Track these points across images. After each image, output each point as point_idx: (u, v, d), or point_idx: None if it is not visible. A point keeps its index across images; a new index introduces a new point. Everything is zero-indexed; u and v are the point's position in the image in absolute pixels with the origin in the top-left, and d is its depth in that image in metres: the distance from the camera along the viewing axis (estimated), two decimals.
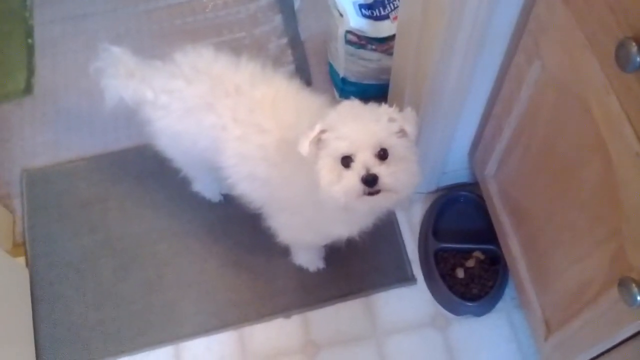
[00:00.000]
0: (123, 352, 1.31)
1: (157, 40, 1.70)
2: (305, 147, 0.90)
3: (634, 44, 0.65)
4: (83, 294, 1.38)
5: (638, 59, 0.64)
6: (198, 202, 1.44)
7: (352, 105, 0.95)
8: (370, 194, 0.88)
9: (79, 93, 1.62)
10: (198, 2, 1.76)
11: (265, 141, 1.02)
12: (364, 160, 0.87)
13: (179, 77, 1.07)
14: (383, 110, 0.92)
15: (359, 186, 0.87)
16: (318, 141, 0.91)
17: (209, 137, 1.07)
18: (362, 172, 0.86)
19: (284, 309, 1.34)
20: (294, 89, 1.07)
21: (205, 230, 1.44)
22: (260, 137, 1.02)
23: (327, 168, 0.90)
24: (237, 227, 1.43)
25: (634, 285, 0.75)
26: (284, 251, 1.32)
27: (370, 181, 0.86)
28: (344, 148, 0.88)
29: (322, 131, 0.90)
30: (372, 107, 0.94)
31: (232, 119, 1.04)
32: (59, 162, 1.54)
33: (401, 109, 0.94)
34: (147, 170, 1.49)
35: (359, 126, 0.89)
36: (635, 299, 0.75)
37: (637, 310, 0.77)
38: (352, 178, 0.87)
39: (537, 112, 1.00)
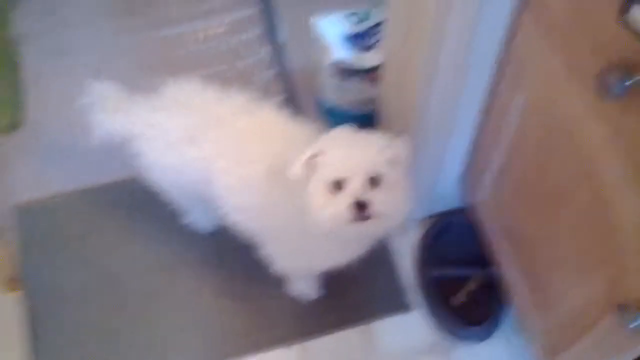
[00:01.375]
0: None
1: (145, 72, 1.70)
2: (297, 169, 0.91)
3: (612, 73, 0.66)
4: (79, 328, 1.35)
5: (617, 88, 0.65)
6: (190, 234, 1.43)
7: (345, 131, 0.95)
8: (361, 219, 0.88)
9: (69, 126, 1.61)
10: (185, 34, 1.77)
11: (252, 171, 1.02)
12: (355, 186, 0.88)
13: (161, 110, 1.08)
14: (376, 137, 0.93)
15: (349, 212, 0.87)
16: (310, 165, 0.91)
17: (194, 169, 1.07)
18: (353, 198, 0.87)
19: (282, 339, 1.33)
20: (282, 118, 1.08)
21: (198, 262, 1.42)
22: (247, 168, 1.02)
23: (318, 192, 0.90)
24: (230, 257, 1.41)
25: (631, 310, 0.75)
26: (280, 281, 1.31)
27: (360, 207, 0.86)
28: (335, 173, 0.89)
29: (315, 155, 0.91)
30: (365, 134, 0.95)
31: (216, 152, 1.04)
32: (50, 195, 1.53)
33: (394, 137, 0.95)
34: (139, 202, 1.47)
35: (352, 152, 0.90)
36: (634, 325, 0.74)
37: (636, 335, 0.77)
38: (342, 203, 0.87)
39: (524, 140, 1.00)
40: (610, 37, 0.67)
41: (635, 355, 0.83)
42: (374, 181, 0.89)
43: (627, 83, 0.65)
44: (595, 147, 0.77)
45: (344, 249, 1.05)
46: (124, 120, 1.10)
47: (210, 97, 1.08)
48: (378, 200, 0.88)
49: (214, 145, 1.04)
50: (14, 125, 1.64)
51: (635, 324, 0.75)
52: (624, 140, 0.71)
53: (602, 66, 0.68)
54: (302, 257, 1.12)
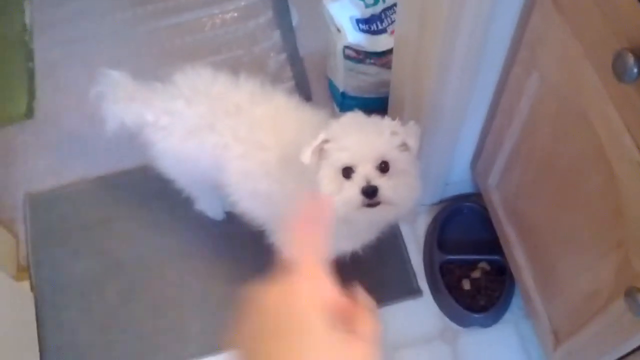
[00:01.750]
0: None
1: (158, 60, 1.71)
2: (307, 156, 0.91)
3: (630, 55, 0.65)
4: (89, 318, 1.37)
5: (635, 70, 0.65)
6: (201, 221, 1.44)
7: (355, 117, 0.95)
8: (370, 205, 0.88)
9: (81, 115, 1.62)
10: (196, 21, 1.77)
11: (267, 157, 1.02)
12: (365, 172, 0.88)
13: (178, 98, 1.08)
14: (386, 123, 0.93)
15: (359, 197, 0.87)
16: (320, 151, 0.92)
17: (211, 156, 1.07)
18: (363, 184, 0.87)
19: None
20: (294, 105, 1.08)
21: (209, 249, 1.43)
22: (262, 154, 1.03)
23: (328, 178, 0.91)
24: (241, 244, 1.42)
25: None
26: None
27: (370, 193, 0.87)
28: (345, 159, 0.89)
29: (325, 141, 0.91)
30: (375, 119, 0.95)
31: (234, 138, 1.04)
32: (62, 185, 1.54)
33: (404, 122, 0.95)
34: (150, 191, 1.49)
35: (362, 138, 0.90)
36: None
37: None
38: (352, 189, 0.88)
39: (537, 123, 0.99)
40: (630, 17, 0.66)
41: None
42: (383, 167, 0.90)
43: None
44: (609, 130, 0.76)
45: (354, 235, 1.05)
46: (138, 108, 1.10)
47: (226, 83, 1.08)
48: (388, 186, 0.88)
49: (232, 132, 1.04)
50: (27, 114, 1.65)
51: None
52: (639, 122, 0.70)
53: (620, 47, 0.67)
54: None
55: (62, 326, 1.36)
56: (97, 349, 1.34)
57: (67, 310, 1.38)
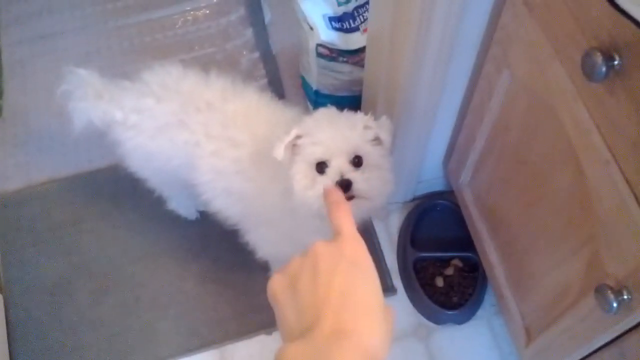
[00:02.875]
0: None
1: (128, 57, 1.68)
2: (280, 151, 0.91)
3: (599, 54, 0.65)
4: (59, 319, 1.34)
5: (603, 69, 0.65)
6: (174, 221, 1.42)
7: (328, 112, 0.95)
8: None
9: (50, 114, 1.59)
10: (168, 18, 1.75)
11: (239, 155, 1.01)
12: (339, 166, 0.88)
13: (148, 96, 1.06)
14: (359, 118, 0.93)
15: None
16: (293, 146, 0.91)
17: (183, 154, 1.06)
18: (336, 177, 0.87)
19: (265, 325, 1.33)
20: (266, 101, 1.07)
21: (182, 249, 1.42)
22: (234, 151, 1.02)
23: (301, 173, 0.90)
24: (214, 244, 1.41)
25: (610, 292, 0.75)
26: (264, 267, 1.31)
27: (344, 186, 0.86)
28: (318, 153, 0.89)
29: (298, 136, 0.91)
30: (348, 114, 0.95)
31: (205, 135, 1.03)
32: (31, 184, 1.51)
33: (376, 118, 0.95)
34: (121, 190, 1.47)
35: (335, 132, 0.90)
36: (612, 306, 0.75)
37: (614, 316, 0.77)
38: (326, 183, 0.87)
39: (508, 120, 1.00)
40: (598, 16, 0.67)
41: (613, 336, 0.84)
42: (357, 161, 0.90)
43: (614, 64, 0.65)
44: (579, 128, 0.77)
45: (328, 231, 1.05)
46: (106, 107, 1.08)
47: (196, 80, 1.07)
48: (361, 179, 0.88)
49: (203, 129, 1.03)
50: None
51: (613, 305, 0.75)
52: (608, 121, 0.71)
53: (588, 46, 0.68)
54: (286, 242, 1.11)
55: (32, 327, 1.33)
56: (68, 349, 1.31)
57: (36, 311, 1.35)
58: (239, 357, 1.30)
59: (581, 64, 0.69)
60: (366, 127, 0.92)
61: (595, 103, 0.73)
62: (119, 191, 1.47)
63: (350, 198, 0.88)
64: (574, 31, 0.73)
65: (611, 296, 0.75)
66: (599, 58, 0.65)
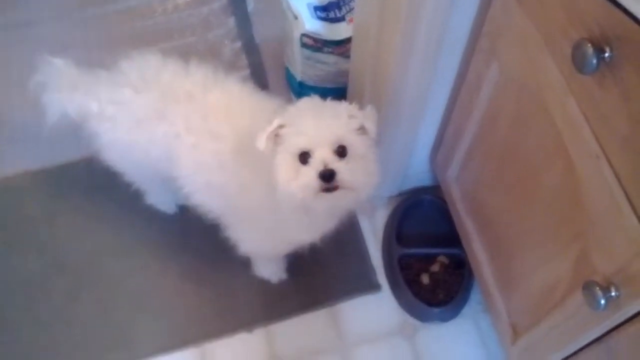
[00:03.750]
0: None
1: (106, 47, 1.63)
2: (262, 141, 0.88)
3: (589, 45, 0.63)
4: (33, 316, 1.30)
5: (594, 60, 0.63)
6: (152, 215, 1.39)
7: (312, 102, 0.93)
8: (328, 190, 0.86)
9: (23, 104, 1.51)
10: (147, 6, 1.70)
11: (220, 148, 0.98)
12: (322, 156, 0.86)
13: (125, 87, 1.03)
14: (343, 107, 0.91)
15: (317, 182, 0.85)
16: (276, 137, 0.89)
17: (162, 146, 1.03)
18: (320, 168, 0.85)
19: (246, 323, 1.30)
20: (248, 92, 1.04)
21: (161, 244, 1.38)
22: (215, 144, 0.99)
23: (284, 164, 0.88)
24: (194, 239, 1.38)
25: (597, 289, 0.74)
26: (245, 263, 1.28)
27: (327, 176, 0.84)
28: (302, 143, 0.86)
29: (281, 126, 0.88)
30: (332, 103, 0.92)
31: (185, 127, 1.00)
32: (3, 177, 1.46)
33: (361, 107, 0.93)
34: (97, 184, 1.42)
35: (318, 122, 0.87)
36: (599, 303, 0.73)
37: (601, 313, 0.76)
38: (309, 174, 0.85)
39: (497, 114, 0.98)
40: (589, 7, 0.65)
41: (601, 333, 0.83)
42: (341, 151, 0.87)
43: (604, 56, 0.63)
44: (569, 121, 0.75)
45: (313, 224, 1.03)
46: (82, 98, 1.05)
47: (176, 70, 1.04)
48: (345, 170, 0.85)
49: (183, 121, 1.00)
50: None
51: (601, 302, 0.74)
52: (598, 115, 0.69)
53: (579, 37, 0.66)
54: (269, 237, 1.09)
55: (6, 325, 1.29)
56: (43, 348, 1.27)
57: (10, 309, 1.31)
58: (219, 356, 1.27)
59: (571, 56, 0.67)
60: (351, 117, 0.89)
61: (585, 96, 0.71)
62: (94, 185, 1.43)
63: (334, 189, 0.86)
64: (564, 22, 0.71)
65: (599, 293, 0.74)
66: (589, 49, 0.63)
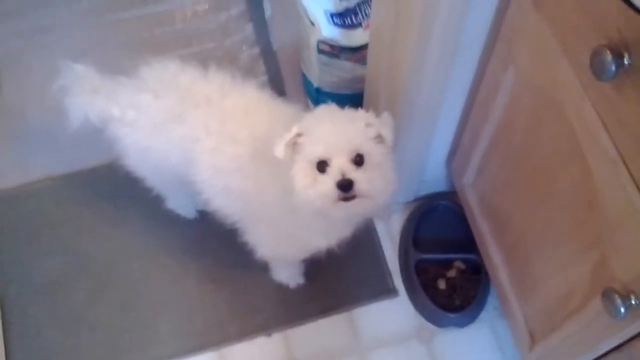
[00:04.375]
0: None
1: (125, 52, 1.66)
2: (280, 149, 0.88)
3: (608, 52, 0.63)
4: (55, 318, 1.33)
5: (613, 67, 0.63)
6: (173, 220, 1.40)
7: (329, 110, 0.93)
8: (346, 199, 0.86)
9: (46, 109, 1.54)
10: (166, 12, 1.72)
11: (239, 152, 0.99)
12: (340, 165, 0.86)
13: (145, 92, 1.04)
14: (360, 115, 0.91)
15: (334, 191, 0.85)
16: (294, 145, 0.89)
17: (181, 150, 1.04)
18: (338, 177, 0.85)
19: (264, 327, 1.31)
20: (266, 98, 1.05)
21: (181, 248, 1.40)
22: (234, 148, 0.99)
23: (302, 172, 0.88)
24: (214, 244, 1.39)
25: (617, 296, 0.73)
26: (264, 268, 1.29)
27: (345, 186, 0.85)
28: (319, 152, 0.87)
29: (299, 134, 0.89)
30: (349, 111, 0.92)
31: (205, 131, 1.01)
32: (27, 182, 1.49)
33: (378, 115, 0.93)
34: (119, 188, 1.43)
35: (336, 130, 0.88)
36: (619, 311, 0.73)
37: (621, 321, 0.75)
38: (327, 183, 0.85)
39: (513, 119, 0.98)
40: (610, 12, 0.64)
41: (620, 341, 0.82)
42: (358, 160, 0.88)
43: (624, 62, 0.62)
44: (586, 126, 0.74)
45: (329, 230, 1.03)
46: (103, 102, 1.07)
47: (194, 76, 1.05)
48: (363, 179, 0.86)
49: (203, 125, 1.01)
50: None
51: (620, 310, 0.73)
52: (616, 120, 0.69)
53: (597, 43, 0.66)
54: (286, 242, 1.09)
55: (29, 327, 1.32)
56: (65, 349, 1.29)
57: (33, 311, 1.33)
58: (238, 359, 1.28)
59: (590, 62, 0.66)
60: (368, 125, 0.90)
61: (603, 101, 0.70)
62: (117, 189, 1.45)
63: (352, 198, 0.86)
64: (582, 28, 0.70)
65: (618, 301, 0.73)
66: (608, 56, 0.63)
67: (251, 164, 0.99)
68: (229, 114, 1.01)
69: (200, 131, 1.01)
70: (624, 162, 0.69)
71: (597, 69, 0.65)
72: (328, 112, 0.93)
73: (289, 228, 1.04)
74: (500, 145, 1.06)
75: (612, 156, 0.70)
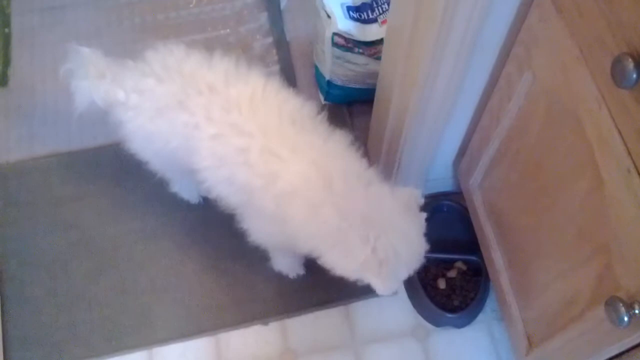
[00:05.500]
0: (94, 356, 1.27)
1: (139, 34, 1.66)
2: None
3: (630, 59, 0.63)
4: (54, 295, 1.33)
5: (634, 75, 0.63)
6: (176, 204, 1.40)
7: None
8: None
9: (56, 86, 1.56)
10: None
11: (247, 145, 0.97)
12: None
13: (149, 76, 1.04)
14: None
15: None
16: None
17: (181, 136, 1.03)
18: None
19: (262, 316, 1.31)
20: (274, 88, 1.03)
21: (183, 233, 1.40)
22: (240, 140, 0.98)
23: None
24: (216, 230, 1.39)
25: (621, 305, 0.73)
26: (263, 256, 1.29)
27: None
28: None
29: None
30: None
31: (206, 117, 1.00)
32: (33, 157, 1.49)
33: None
34: (125, 169, 1.45)
35: None
36: (622, 319, 0.73)
37: (623, 330, 0.76)
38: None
39: (526, 124, 0.98)
40: (632, 21, 0.64)
41: (620, 350, 0.82)
42: None
43: None
44: (601, 134, 0.75)
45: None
46: (109, 86, 1.06)
47: (199, 62, 1.04)
48: None
49: (204, 112, 1.00)
50: (1, 82, 1.59)
51: (624, 319, 0.73)
52: (633, 129, 0.69)
53: (619, 51, 0.66)
54: (286, 237, 1.08)
55: (26, 302, 1.32)
56: (61, 327, 1.29)
57: (31, 286, 1.33)
58: (233, 346, 1.29)
59: (611, 70, 0.66)
60: None
61: (621, 109, 0.70)
62: (122, 170, 1.45)
63: None
64: (604, 35, 0.70)
65: (622, 309, 0.73)
66: (630, 64, 0.63)
67: (260, 159, 0.97)
68: (233, 103, 0.99)
69: (201, 117, 1.00)
70: (638, 171, 0.69)
71: (617, 76, 0.65)
72: None
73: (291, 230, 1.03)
74: (510, 149, 1.06)
75: (626, 165, 0.71)
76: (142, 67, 1.06)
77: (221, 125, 0.99)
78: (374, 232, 0.91)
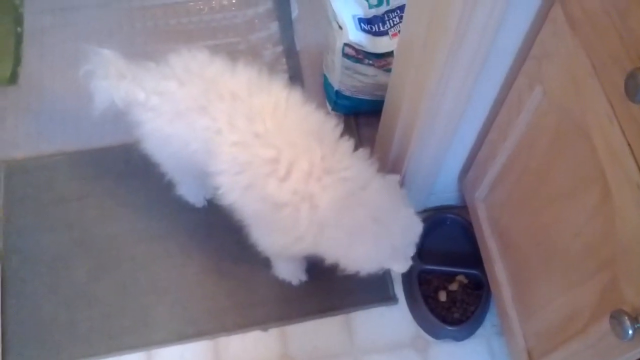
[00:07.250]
0: (93, 355, 1.26)
1: (150, 38, 1.67)
2: None
3: None
4: (55, 293, 1.32)
5: None
6: (181, 206, 1.41)
7: None
8: None
9: (66, 86, 1.57)
10: (194, 3, 1.74)
11: (274, 157, 0.98)
12: None
13: (171, 79, 1.05)
14: None
15: None
16: None
17: (201, 139, 1.04)
18: None
19: (262, 321, 1.31)
20: (297, 101, 1.04)
21: (186, 235, 1.40)
22: (267, 151, 0.98)
23: None
24: (219, 234, 1.39)
25: (626, 318, 0.74)
26: (266, 262, 1.29)
27: None
28: None
29: None
30: None
31: (229, 124, 1.00)
32: (40, 155, 1.49)
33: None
34: (130, 170, 1.45)
35: None
36: (627, 333, 0.73)
37: (627, 343, 0.76)
38: None
39: (535, 138, 0.99)
40: None
41: None
42: None
43: None
44: (611, 149, 0.76)
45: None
46: (129, 86, 1.07)
47: (222, 68, 1.05)
48: None
49: (227, 118, 1.01)
50: (11, 79, 1.59)
51: (629, 332, 0.74)
52: None
53: (633, 66, 0.67)
54: (296, 247, 1.09)
55: (27, 298, 1.32)
56: (61, 324, 1.29)
57: (33, 283, 1.33)
58: (232, 350, 1.28)
59: (625, 84, 0.68)
60: None
61: (632, 125, 0.71)
62: (128, 171, 1.46)
63: None
64: (618, 51, 0.72)
65: (627, 323, 0.74)
66: None
67: (292, 175, 0.98)
68: (256, 113, 1.00)
69: (223, 124, 1.00)
70: None
71: (631, 91, 0.66)
72: None
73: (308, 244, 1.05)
74: (517, 164, 1.07)
75: (636, 180, 0.71)
76: (163, 70, 1.07)
77: (244, 134, 0.99)
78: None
